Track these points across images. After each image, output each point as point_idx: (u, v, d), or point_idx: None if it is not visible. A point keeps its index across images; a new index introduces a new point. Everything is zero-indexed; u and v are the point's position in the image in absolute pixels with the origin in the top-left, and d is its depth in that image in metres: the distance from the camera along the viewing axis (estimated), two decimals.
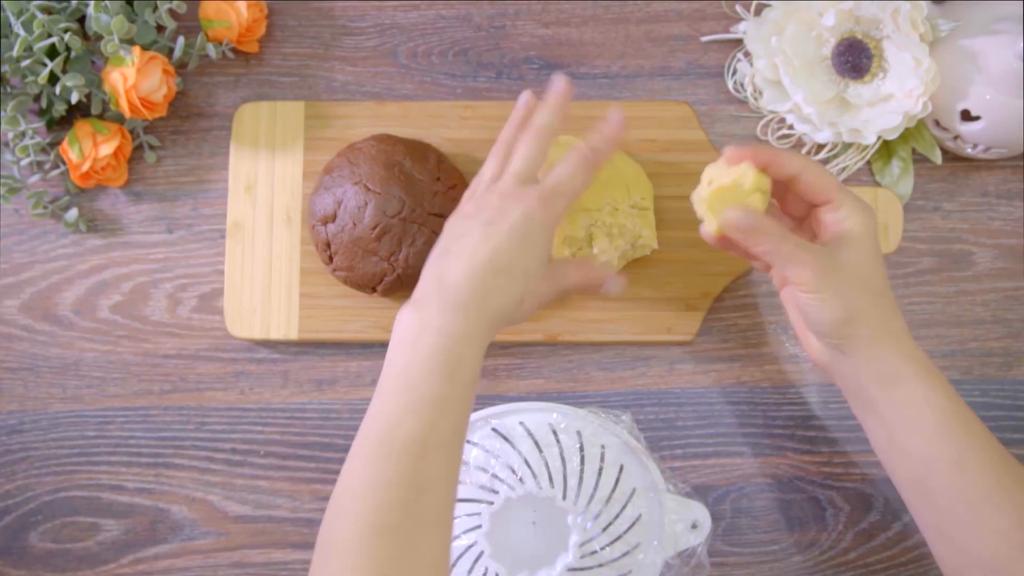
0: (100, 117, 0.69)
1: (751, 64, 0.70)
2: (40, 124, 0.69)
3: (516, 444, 0.61)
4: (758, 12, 0.71)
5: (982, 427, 0.53)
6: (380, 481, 0.48)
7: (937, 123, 0.69)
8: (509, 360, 0.69)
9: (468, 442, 0.62)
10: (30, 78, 0.65)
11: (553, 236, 0.55)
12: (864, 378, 0.54)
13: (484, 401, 0.66)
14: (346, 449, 0.68)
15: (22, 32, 0.63)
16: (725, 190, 0.55)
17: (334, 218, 0.65)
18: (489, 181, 0.57)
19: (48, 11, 0.65)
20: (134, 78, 0.65)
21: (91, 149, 0.67)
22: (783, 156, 0.55)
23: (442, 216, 0.66)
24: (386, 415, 0.50)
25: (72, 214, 0.69)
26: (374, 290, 0.66)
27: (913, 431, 0.53)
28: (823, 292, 0.53)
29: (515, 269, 0.53)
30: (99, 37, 0.67)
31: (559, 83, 0.57)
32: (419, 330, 0.52)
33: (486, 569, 0.62)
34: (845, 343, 0.54)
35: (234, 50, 0.71)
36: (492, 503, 0.61)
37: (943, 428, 0.52)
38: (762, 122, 0.71)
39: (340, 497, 0.50)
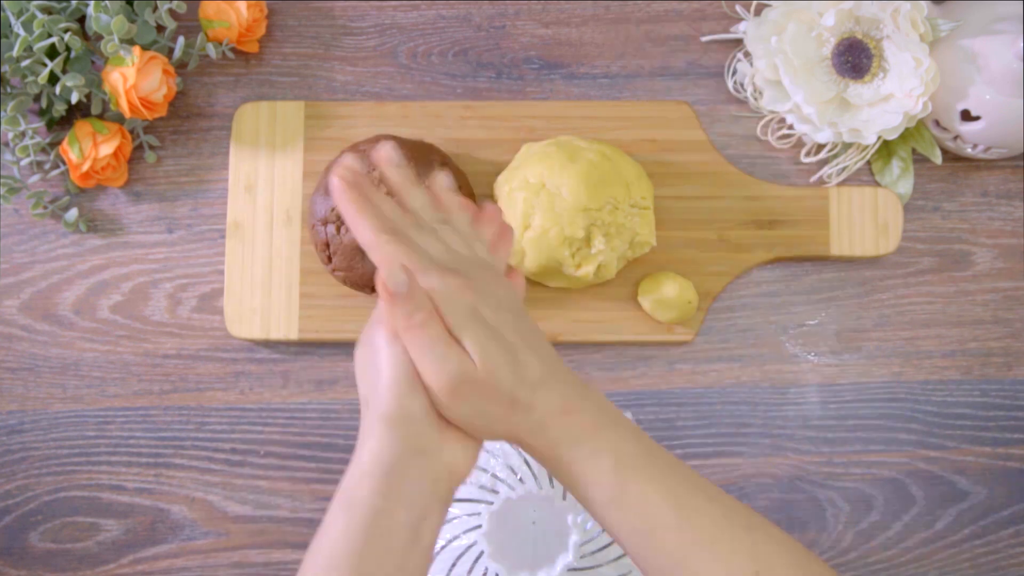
0: (100, 117, 0.69)
1: (751, 64, 0.70)
2: (40, 124, 0.69)
3: None
4: (758, 12, 0.71)
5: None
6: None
7: (937, 123, 0.69)
8: None
9: None
10: (30, 78, 0.65)
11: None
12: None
13: None
14: (346, 449, 0.68)
15: (22, 32, 0.63)
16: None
17: (334, 218, 0.65)
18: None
19: (48, 11, 0.65)
20: (134, 78, 0.65)
21: (91, 149, 0.67)
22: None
23: None
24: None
25: (72, 214, 0.69)
26: (373, 290, 0.66)
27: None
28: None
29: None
30: (99, 37, 0.67)
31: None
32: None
33: (486, 569, 0.62)
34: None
35: (234, 50, 0.71)
36: (492, 503, 0.61)
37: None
38: (762, 122, 0.71)
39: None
